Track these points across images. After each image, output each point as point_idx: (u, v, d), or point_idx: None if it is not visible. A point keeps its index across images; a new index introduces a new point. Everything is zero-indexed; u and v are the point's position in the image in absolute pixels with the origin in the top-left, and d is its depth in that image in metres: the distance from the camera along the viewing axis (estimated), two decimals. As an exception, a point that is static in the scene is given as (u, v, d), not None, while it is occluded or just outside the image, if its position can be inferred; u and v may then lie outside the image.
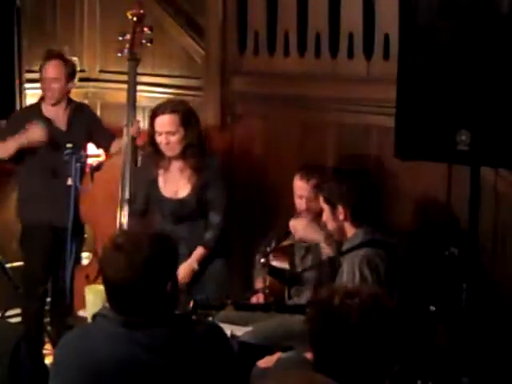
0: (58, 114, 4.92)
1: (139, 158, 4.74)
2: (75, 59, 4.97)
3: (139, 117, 4.94)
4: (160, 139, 4.30)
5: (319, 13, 4.87)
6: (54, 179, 4.80)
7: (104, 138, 5.03)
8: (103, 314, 2.45)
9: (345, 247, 3.63)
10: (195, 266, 4.33)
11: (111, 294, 2.42)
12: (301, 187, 4.15)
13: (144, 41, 4.81)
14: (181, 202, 4.37)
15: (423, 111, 3.71)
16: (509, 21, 3.48)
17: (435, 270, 4.03)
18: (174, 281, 2.46)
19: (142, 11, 4.83)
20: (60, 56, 4.90)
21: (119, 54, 4.88)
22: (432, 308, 3.66)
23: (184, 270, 4.26)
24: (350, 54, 4.76)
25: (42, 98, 4.94)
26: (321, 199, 3.71)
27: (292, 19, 4.99)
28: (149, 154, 4.48)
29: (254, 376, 3.63)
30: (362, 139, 4.69)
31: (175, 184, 4.40)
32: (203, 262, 4.36)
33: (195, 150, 4.30)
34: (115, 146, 4.94)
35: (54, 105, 4.89)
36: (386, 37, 4.55)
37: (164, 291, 2.40)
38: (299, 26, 4.96)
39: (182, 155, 4.32)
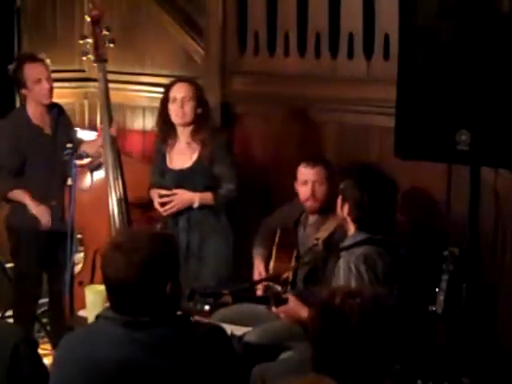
0: (43, 118, 4.85)
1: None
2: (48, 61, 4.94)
3: (140, 117, 4.94)
4: (174, 106, 4.44)
5: (319, 13, 4.87)
6: (45, 184, 4.79)
7: (76, 139, 5.01)
8: (105, 316, 2.45)
9: (345, 244, 3.61)
10: (196, 200, 4.45)
11: (111, 293, 2.43)
12: (305, 173, 4.21)
13: (107, 41, 4.83)
14: (183, 172, 4.50)
15: (423, 111, 3.71)
16: (509, 21, 3.49)
17: (435, 269, 4.03)
18: (175, 283, 2.45)
19: (97, 12, 4.85)
20: (40, 58, 4.84)
21: (84, 58, 4.90)
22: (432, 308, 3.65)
23: (183, 196, 4.45)
24: (350, 54, 4.76)
25: (25, 102, 4.88)
26: (340, 185, 3.70)
27: (292, 19, 4.99)
28: (159, 134, 4.62)
29: (254, 375, 3.63)
30: (362, 139, 4.69)
31: (181, 156, 4.53)
32: (204, 243, 4.46)
33: (205, 122, 4.47)
34: (88, 147, 4.87)
35: (43, 105, 4.86)
36: (386, 37, 4.55)
37: (163, 292, 2.40)
38: (299, 26, 4.96)
39: (192, 126, 4.46)
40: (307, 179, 4.19)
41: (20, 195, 4.77)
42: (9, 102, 5.23)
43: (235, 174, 4.47)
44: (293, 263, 4.17)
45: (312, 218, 4.25)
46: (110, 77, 5.61)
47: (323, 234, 4.13)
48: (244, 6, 5.24)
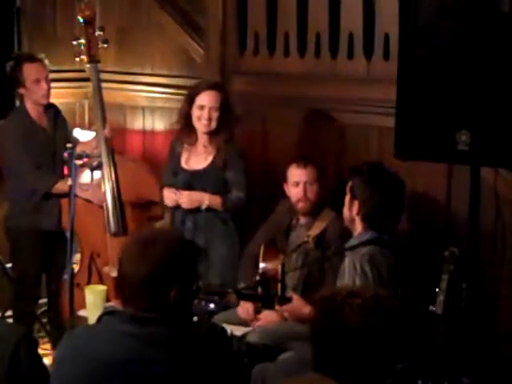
0: (41, 117, 4.87)
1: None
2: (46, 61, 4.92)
3: (140, 117, 4.93)
4: (201, 113, 4.42)
5: (319, 13, 4.87)
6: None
7: (73, 140, 5.01)
8: (111, 311, 2.47)
9: (351, 243, 3.61)
10: (205, 201, 4.43)
11: (120, 283, 2.44)
12: (297, 174, 4.23)
13: (100, 42, 4.83)
14: (195, 173, 4.50)
15: (423, 111, 3.71)
16: (509, 21, 3.48)
17: (435, 269, 4.03)
18: (183, 290, 2.43)
19: (89, 12, 4.85)
20: (39, 58, 4.83)
21: (77, 59, 4.90)
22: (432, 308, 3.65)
23: (192, 195, 4.44)
24: (350, 54, 4.76)
25: (23, 102, 4.87)
26: (349, 183, 3.69)
27: (292, 19, 4.99)
28: (178, 134, 4.62)
29: (255, 375, 3.63)
30: (362, 139, 4.69)
31: (196, 157, 4.53)
32: (210, 246, 4.44)
33: (225, 127, 4.45)
34: (84, 147, 4.87)
35: (41, 105, 4.85)
36: (386, 37, 4.55)
37: (166, 295, 2.39)
38: (299, 26, 4.96)
39: (213, 132, 4.45)
40: (299, 180, 4.21)
41: (64, 187, 4.64)
42: (9, 102, 5.22)
43: (246, 183, 4.47)
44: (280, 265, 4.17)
45: (303, 219, 4.25)
46: (110, 77, 5.65)
47: (314, 231, 4.14)
48: (244, 5, 5.24)
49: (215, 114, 4.41)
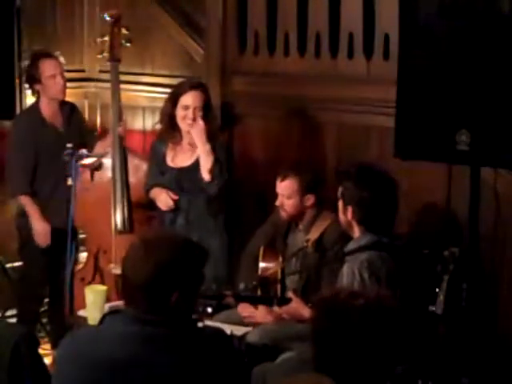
0: (55, 115, 4.91)
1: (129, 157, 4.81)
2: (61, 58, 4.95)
3: (140, 117, 4.92)
4: (186, 113, 4.46)
5: (319, 13, 4.87)
6: (55, 181, 4.80)
7: (91, 137, 5.08)
8: (114, 311, 2.47)
9: (350, 247, 3.60)
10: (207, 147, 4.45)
11: (124, 285, 2.45)
12: (277, 185, 4.22)
13: (123, 41, 4.84)
14: (182, 170, 4.53)
15: (423, 111, 3.71)
16: (509, 21, 3.49)
17: (435, 269, 4.04)
18: (185, 294, 2.42)
19: (117, 11, 4.87)
20: (54, 55, 4.90)
21: (100, 56, 4.92)
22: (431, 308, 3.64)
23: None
24: (350, 54, 4.76)
25: (38, 99, 4.92)
26: (339, 189, 3.69)
27: (292, 19, 4.99)
28: (161, 134, 4.64)
29: (255, 376, 3.64)
30: (362, 139, 4.69)
31: (183, 155, 4.57)
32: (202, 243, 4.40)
33: (210, 127, 4.48)
34: (100, 146, 4.95)
35: (56, 103, 4.88)
36: (386, 37, 4.55)
37: (167, 299, 2.39)
38: (299, 26, 4.96)
39: None
40: (278, 192, 4.21)
41: (30, 205, 4.81)
42: (9, 102, 5.22)
43: (223, 174, 4.43)
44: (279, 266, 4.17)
45: (301, 224, 4.24)
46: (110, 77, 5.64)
47: (313, 235, 4.13)
48: (244, 5, 5.24)
49: (199, 113, 4.45)
